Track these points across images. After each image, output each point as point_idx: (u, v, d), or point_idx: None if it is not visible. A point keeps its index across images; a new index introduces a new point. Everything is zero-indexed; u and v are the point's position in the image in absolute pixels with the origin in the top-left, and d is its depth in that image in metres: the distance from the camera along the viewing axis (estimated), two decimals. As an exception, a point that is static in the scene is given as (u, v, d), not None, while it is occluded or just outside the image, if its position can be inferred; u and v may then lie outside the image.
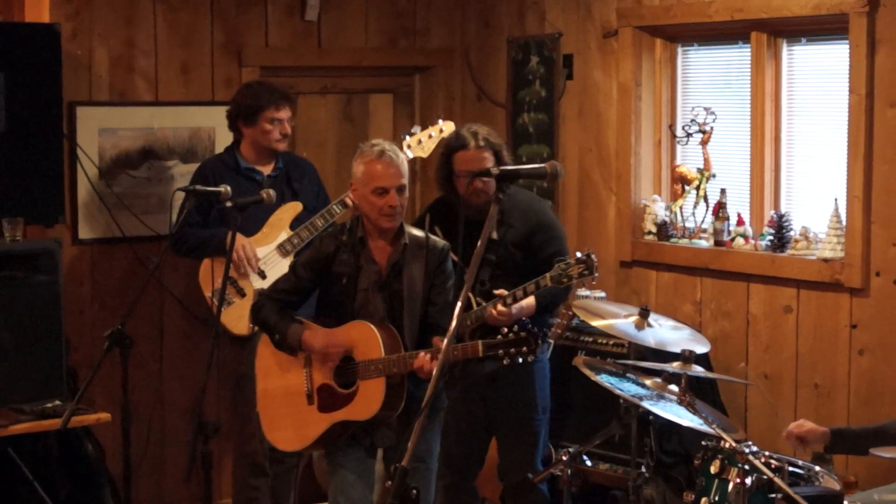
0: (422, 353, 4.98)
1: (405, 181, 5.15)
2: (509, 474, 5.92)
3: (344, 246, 5.21)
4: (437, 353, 4.95)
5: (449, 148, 5.74)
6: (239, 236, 6.02)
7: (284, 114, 6.38)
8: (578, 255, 5.36)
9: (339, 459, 5.25)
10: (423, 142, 6.26)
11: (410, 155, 6.15)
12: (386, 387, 5.07)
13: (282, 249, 6.29)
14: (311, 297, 5.37)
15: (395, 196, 5.10)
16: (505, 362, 4.94)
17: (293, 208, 6.37)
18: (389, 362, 5.05)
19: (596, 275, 5.36)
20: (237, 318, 6.18)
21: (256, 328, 6.07)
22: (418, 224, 5.71)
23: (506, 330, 4.92)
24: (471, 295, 5.66)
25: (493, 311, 5.46)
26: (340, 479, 5.24)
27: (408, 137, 6.28)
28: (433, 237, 5.28)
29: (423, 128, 6.37)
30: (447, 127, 6.34)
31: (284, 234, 6.31)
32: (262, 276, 6.23)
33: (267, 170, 6.43)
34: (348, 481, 5.22)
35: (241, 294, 6.21)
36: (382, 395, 5.07)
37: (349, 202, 6.17)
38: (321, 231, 6.20)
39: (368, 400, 5.10)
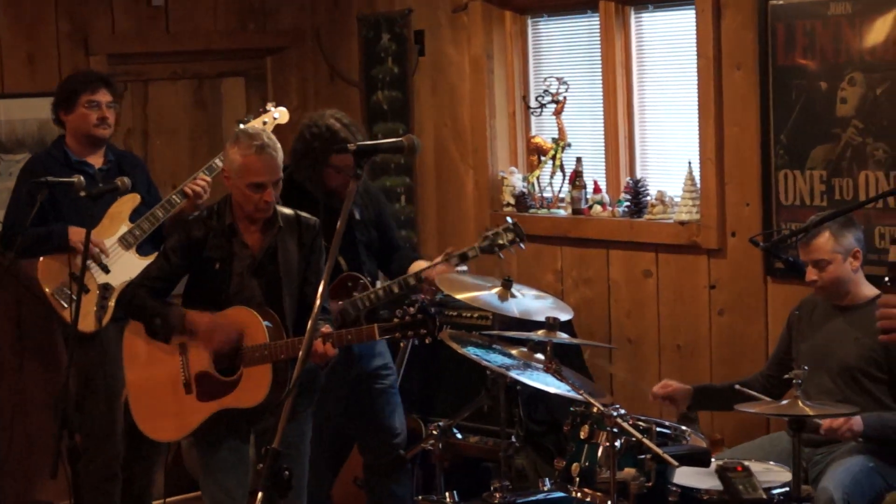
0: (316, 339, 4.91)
1: (281, 173, 5.08)
2: (383, 446, 5.90)
3: (214, 231, 5.13)
4: (329, 336, 4.93)
5: (324, 142, 5.59)
6: (82, 231, 5.79)
7: (102, 97, 6.15)
8: (508, 220, 5.72)
9: (213, 449, 5.15)
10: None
11: None
12: (273, 373, 4.99)
13: (123, 242, 6.09)
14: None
15: (272, 191, 5.03)
16: (402, 345, 4.97)
17: (132, 200, 6.15)
18: (277, 348, 4.97)
19: (524, 243, 5.71)
20: (82, 314, 5.88)
21: (104, 324, 5.98)
22: None
23: (400, 312, 4.92)
24: (362, 277, 5.71)
25: (440, 271, 5.64)
26: (215, 470, 5.14)
27: (241, 126, 6.22)
28: (303, 214, 5.22)
29: (256, 115, 6.32)
30: (280, 114, 6.33)
31: (125, 227, 6.11)
32: (106, 270, 6.03)
33: (98, 162, 6.21)
34: (222, 472, 5.12)
35: (85, 290, 5.93)
36: (270, 381, 4.98)
37: (189, 191, 6.07)
38: (162, 221, 6.10)
39: (255, 387, 5.01)
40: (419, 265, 5.76)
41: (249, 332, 5.02)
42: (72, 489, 6.08)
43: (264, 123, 6.24)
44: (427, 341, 4.98)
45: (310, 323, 3.87)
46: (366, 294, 5.65)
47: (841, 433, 4.87)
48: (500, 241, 5.70)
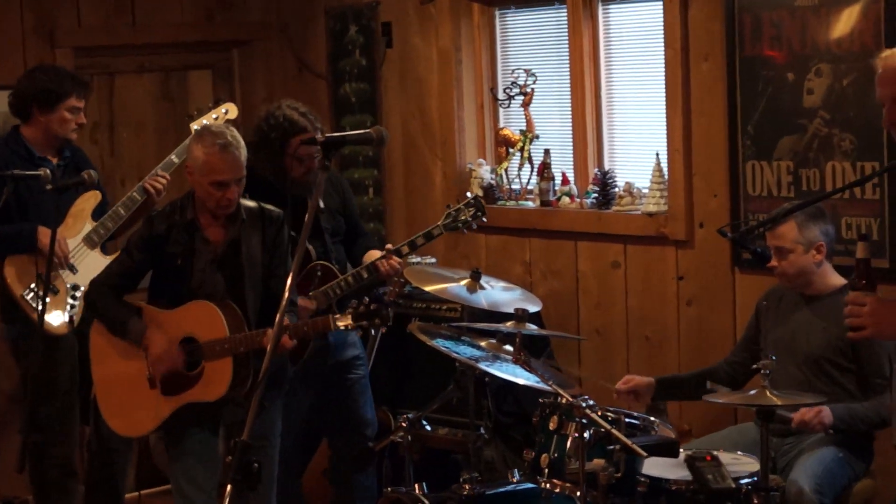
0: (269, 330, 4.91)
1: (244, 171, 5.09)
2: (354, 437, 5.92)
3: (176, 226, 5.13)
4: (286, 328, 4.93)
5: (284, 132, 5.63)
6: (50, 231, 5.76)
7: (82, 104, 6.14)
8: (468, 195, 5.79)
9: (181, 442, 5.15)
10: (207, 125, 6.18)
11: None
12: (233, 365, 5.01)
13: (89, 241, 6.05)
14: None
15: (234, 189, 5.04)
16: (359, 335, 5.00)
17: (94, 197, 6.12)
18: (236, 341, 4.98)
19: (486, 217, 5.78)
20: (53, 316, 5.91)
21: (76, 324, 5.94)
22: None
23: (356, 302, 4.95)
24: (331, 265, 5.74)
25: (391, 263, 5.65)
26: (183, 462, 5.15)
27: (192, 122, 6.21)
28: (267, 206, 5.23)
29: (205, 111, 6.31)
30: (230, 109, 6.33)
31: (89, 225, 6.08)
32: (73, 270, 6.00)
33: (55, 158, 6.14)
34: (191, 464, 5.13)
35: (54, 291, 5.93)
36: (230, 374, 5.01)
37: (149, 188, 6.07)
38: (124, 220, 6.08)
39: (216, 380, 5.03)
40: (372, 255, 5.79)
41: (208, 327, 5.03)
42: (33, 485, 6.07)
43: (214, 119, 6.22)
44: (382, 331, 5.02)
45: (278, 316, 3.87)
46: (336, 282, 5.67)
47: (812, 426, 4.89)
48: (463, 217, 5.75)
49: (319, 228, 5.76)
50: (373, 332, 5.10)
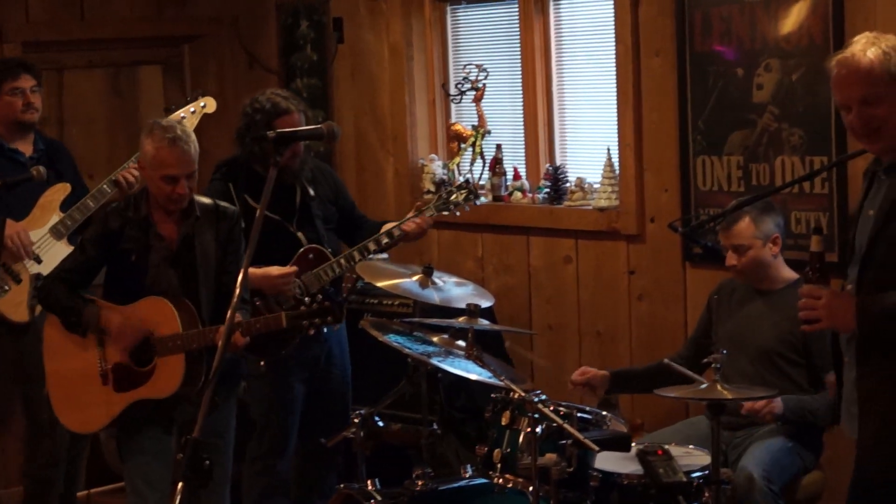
0: (223, 328, 4.89)
1: (196, 165, 5.07)
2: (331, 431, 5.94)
3: (130, 222, 5.11)
4: (238, 325, 4.92)
5: (268, 114, 5.60)
6: (11, 222, 5.82)
7: (25, 82, 6.10)
8: (460, 179, 5.85)
9: (135, 440, 5.12)
10: (185, 118, 6.17)
11: None
12: (185, 362, 4.99)
13: (55, 232, 6.06)
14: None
15: (185, 183, 5.02)
16: (310, 332, 5.00)
17: (62, 189, 6.12)
18: (189, 338, 4.97)
19: (480, 199, 5.83)
20: (15, 304, 5.95)
21: (37, 313, 5.93)
22: (220, 195, 5.56)
23: (309, 300, 4.95)
24: (323, 248, 5.74)
25: (417, 223, 5.70)
26: (137, 460, 5.12)
27: (169, 115, 6.20)
28: (222, 203, 5.23)
29: (183, 104, 6.31)
30: (209, 103, 6.32)
31: (56, 217, 6.08)
32: (38, 260, 5.99)
33: (28, 150, 6.16)
34: (145, 461, 5.10)
35: (17, 280, 5.96)
36: (182, 371, 4.99)
37: (121, 180, 6.06)
38: (93, 212, 6.07)
39: (168, 377, 5.01)
40: (391, 225, 5.79)
41: (162, 323, 5.01)
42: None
43: (192, 112, 6.21)
44: (335, 328, 5.01)
45: (229, 313, 3.86)
46: (328, 264, 5.67)
47: (761, 415, 4.94)
48: (454, 199, 5.77)
49: (311, 215, 5.76)
50: (325, 329, 5.09)
